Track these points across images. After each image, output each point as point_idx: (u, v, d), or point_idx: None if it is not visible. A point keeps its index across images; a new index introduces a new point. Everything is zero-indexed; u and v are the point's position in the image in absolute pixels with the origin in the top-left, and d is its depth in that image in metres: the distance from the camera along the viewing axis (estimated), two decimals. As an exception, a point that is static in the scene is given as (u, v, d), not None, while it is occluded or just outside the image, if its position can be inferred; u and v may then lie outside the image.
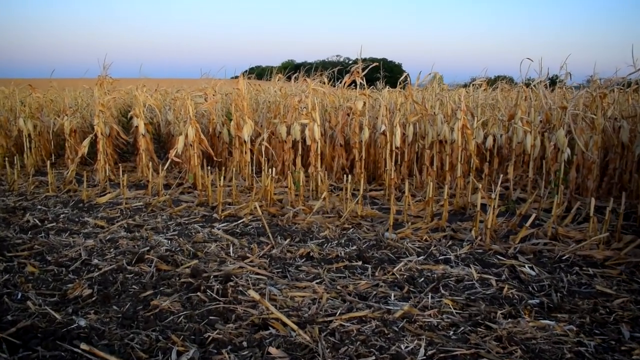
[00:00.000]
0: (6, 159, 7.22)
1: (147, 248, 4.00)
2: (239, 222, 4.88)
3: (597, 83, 8.68)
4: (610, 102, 6.56)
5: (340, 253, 3.99)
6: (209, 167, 6.04)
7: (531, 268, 3.78)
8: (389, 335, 2.66)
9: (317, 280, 3.41)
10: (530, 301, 3.18)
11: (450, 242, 4.34)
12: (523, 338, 2.67)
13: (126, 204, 5.57)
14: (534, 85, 5.93)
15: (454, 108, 5.96)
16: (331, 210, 5.28)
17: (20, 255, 3.92)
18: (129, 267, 3.61)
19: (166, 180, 6.87)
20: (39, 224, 4.83)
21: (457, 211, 5.49)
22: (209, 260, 3.77)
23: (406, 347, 2.55)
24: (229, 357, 2.42)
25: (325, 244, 4.23)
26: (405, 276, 3.53)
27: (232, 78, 9.19)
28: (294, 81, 7.73)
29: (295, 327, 2.64)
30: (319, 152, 6.06)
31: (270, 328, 2.68)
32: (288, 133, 6.39)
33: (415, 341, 2.60)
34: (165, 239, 4.32)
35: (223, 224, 4.82)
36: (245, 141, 6.53)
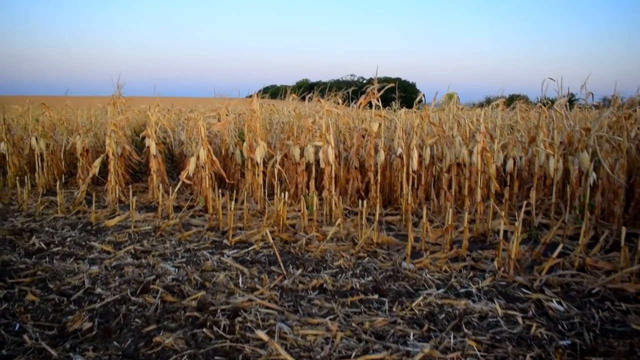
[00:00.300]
0: (17, 177, 7.14)
1: (153, 277, 3.83)
2: (250, 249, 4.69)
3: (619, 102, 8.44)
4: (632, 122, 6.32)
5: (355, 285, 3.78)
6: (220, 190, 5.89)
7: (559, 303, 3.54)
8: (408, 382, 2.45)
9: (331, 316, 3.21)
10: (561, 342, 2.95)
11: (471, 273, 4.11)
12: (556, 387, 2.44)
13: (135, 227, 5.43)
14: (555, 106, 5.71)
15: (473, 130, 5.76)
16: (345, 236, 5.08)
17: (22, 282, 3.78)
18: (133, 298, 3.44)
19: (177, 202, 6.73)
20: (45, 247, 4.69)
21: (477, 238, 5.26)
22: (217, 292, 3.59)
23: (427, 396, 2.33)
24: (234, 406, 2.23)
25: (340, 275, 4.03)
26: (424, 312, 3.32)
27: (246, 97, 9.08)
28: (308, 101, 7.59)
29: (306, 371, 2.44)
30: (333, 175, 5.88)
31: (279, 372, 2.49)
32: (301, 155, 6.22)
33: (438, 389, 2.38)
34: (173, 266, 4.15)
35: (233, 251, 4.64)
36: (257, 163, 6.37)
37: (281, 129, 7.56)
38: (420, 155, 6.04)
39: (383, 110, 6.24)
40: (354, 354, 2.70)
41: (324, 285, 3.74)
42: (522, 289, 3.81)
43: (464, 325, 3.14)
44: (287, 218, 5.55)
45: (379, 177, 6.10)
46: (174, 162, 10.91)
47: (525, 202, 6.35)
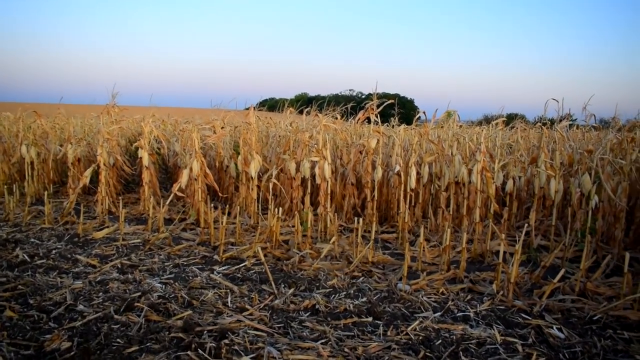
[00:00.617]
0: (6, 186, 6.99)
1: (139, 294, 3.67)
2: (241, 265, 4.55)
3: (619, 124, 8.36)
4: (633, 145, 6.23)
5: (349, 306, 3.63)
6: (213, 203, 5.75)
7: (560, 330, 3.41)
8: (403, 415, 2.31)
9: (322, 340, 3.06)
10: (562, 373, 2.81)
11: (469, 296, 3.97)
12: None
13: (123, 240, 5.27)
14: (557, 127, 5.61)
15: (473, 149, 5.65)
16: (340, 254, 4.94)
17: (1, 297, 3.62)
18: (116, 316, 3.28)
19: (169, 215, 6.59)
20: (28, 260, 4.53)
21: (474, 259, 5.13)
22: (204, 311, 3.43)
23: None
24: None
25: (333, 295, 3.88)
26: (420, 337, 3.17)
27: (244, 109, 8.97)
28: (306, 115, 7.48)
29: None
30: (329, 191, 5.75)
31: (266, 401, 2.34)
32: (297, 170, 6.10)
33: None
34: (160, 282, 4.00)
35: (223, 267, 4.49)
36: (252, 177, 6.24)
37: (277, 142, 7.45)
38: (418, 173, 5.92)
39: (381, 127, 6.13)
40: (345, 382, 2.56)
41: (317, 306, 3.60)
42: (521, 314, 3.67)
43: (461, 353, 2.99)
44: (281, 234, 5.41)
45: (375, 193, 5.97)
46: (168, 173, 10.76)
47: (525, 224, 6.24)
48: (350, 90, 61.46)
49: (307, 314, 3.50)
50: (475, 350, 3.04)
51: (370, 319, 3.43)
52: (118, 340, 2.95)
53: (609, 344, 3.24)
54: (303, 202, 6.16)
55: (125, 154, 9.94)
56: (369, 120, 6.26)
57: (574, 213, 5.24)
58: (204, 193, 6.16)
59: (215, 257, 4.81)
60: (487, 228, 5.53)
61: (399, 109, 8.45)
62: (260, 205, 6.36)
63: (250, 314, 3.40)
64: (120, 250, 4.99)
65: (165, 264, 4.57)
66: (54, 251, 4.86)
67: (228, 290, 3.86)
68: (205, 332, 3.05)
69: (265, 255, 4.74)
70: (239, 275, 4.32)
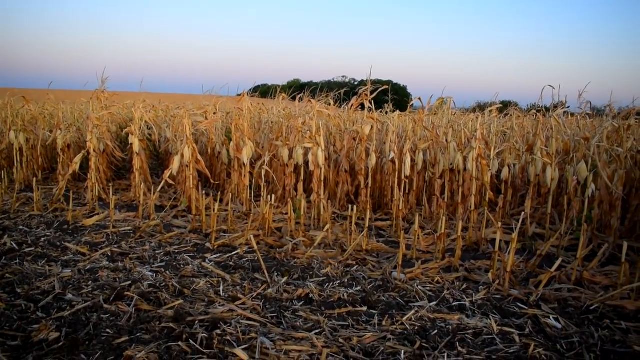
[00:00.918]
0: (-6, 173, 6.85)
1: (129, 282, 3.60)
2: (233, 253, 4.48)
3: (614, 112, 8.30)
4: (629, 133, 6.19)
5: (343, 295, 3.57)
6: (204, 191, 5.67)
7: (556, 319, 3.37)
8: (399, 408, 2.25)
9: (317, 330, 3.00)
10: (560, 364, 2.77)
11: (464, 285, 3.92)
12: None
13: (114, 227, 5.18)
14: (553, 114, 5.54)
15: (469, 136, 5.58)
16: (334, 242, 4.88)
17: (-13, 286, 3.53)
18: (105, 306, 3.21)
19: (160, 202, 6.50)
20: (16, 248, 4.44)
21: (469, 247, 5.09)
22: (196, 300, 3.37)
23: None
24: None
25: (327, 284, 3.82)
26: (416, 327, 3.12)
27: (236, 95, 8.85)
28: (299, 101, 7.38)
29: (289, 394, 2.24)
30: (322, 178, 5.67)
31: (259, 394, 2.28)
32: (290, 156, 6.02)
33: (431, 417, 2.19)
34: (150, 271, 3.92)
35: (215, 255, 4.42)
36: (244, 164, 6.15)
37: (270, 128, 7.35)
38: (412, 160, 5.85)
39: (375, 113, 6.05)
40: (340, 374, 2.50)
41: (310, 295, 3.54)
42: (517, 303, 3.63)
43: (457, 343, 2.95)
44: (274, 221, 5.34)
45: (369, 181, 5.91)
46: (160, 159, 10.63)
47: (517, 210, 6.19)
48: (343, 76, 61.19)
49: (301, 303, 3.44)
50: (471, 341, 2.99)
51: (365, 308, 3.38)
52: (107, 330, 2.88)
53: (607, 334, 3.20)
54: (296, 189, 6.09)
55: (116, 140, 9.81)
56: (362, 106, 6.18)
57: (570, 201, 5.19)
58: (195, 180, 6.07)
59: (207, 244, 4.74)
60: (481, 216, 5.49)
61: (394, 96, 8.36)
62: (252, 192, 6.29)
63: (243, 304, 3.33)
64: (111, 237, 4.90)
65: (156, 251, 4.49)
66: (42, 239, 4.77)
67: (220, 279, 3.80)
68: (196, 322, 2.98)
69: (257, 243, 4.67)
70: (231, 263, 4.25)
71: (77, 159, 6.62)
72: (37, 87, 10.68)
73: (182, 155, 5.92)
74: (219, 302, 3.34)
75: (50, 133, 8.01)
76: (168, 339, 2.79)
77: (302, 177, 5.97)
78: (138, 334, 2.84)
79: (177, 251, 4.53)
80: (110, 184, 6.78)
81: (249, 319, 3.11)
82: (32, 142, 8.14)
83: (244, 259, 4.36)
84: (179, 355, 2.63)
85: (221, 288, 3.60)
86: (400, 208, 5.46)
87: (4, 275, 3.72)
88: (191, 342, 2.74)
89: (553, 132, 5.19)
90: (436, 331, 3.08)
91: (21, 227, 5.16)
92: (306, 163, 5.92)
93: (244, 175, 6.25)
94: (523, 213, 4.57)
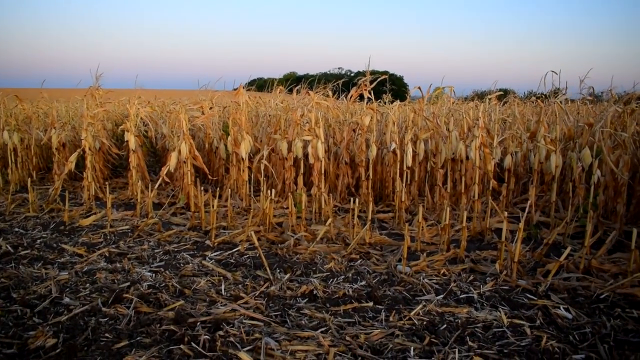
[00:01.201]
0: (-12, 174, 6.76)
1: (128, 284, 3.51)
2: (234, 250, 4.38)
3: (615, 97, 8.18)
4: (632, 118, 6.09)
5: (348, 291, 3.49)
6: (202, 186, 5.57)
7: (567, 310, 3.29)
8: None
9: (322, 329, 2.91)
10: (574, 356, 2.69)
11: (471, 277, 3.84)
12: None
13: (111, 227, 5.09)
14: (556, 100, 5.44)
15: (470, 124, 5.48)
16: (336, 236, 4.78)
17: (-18, 291, 3.44)
18: (104, 309, 3.11)
19: (158, 199, 6.40)
20: (12, 250, 4.34)
21: (473, 237, 5.00)
22: (197, 300, 3.28)
23: None
24: None
25: (331, 279, 3.73)
26: (424, 322, 3.03)
27: (232, 90, 8.73)
28: (296, 94, 7.27)
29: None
30: (322, 171, 5.57)
31: (265, 398, 2.19)
32: (289, 150, 5.91)
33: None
34: (150, 271, 3.83)
35: (216, 253, 4.32)
36: (242, 158, 6.04)
37: (268, 122, 7.24)
38: (413, 151, 5.75)
39: (375, 104, 5.95)
40: (349, 374, 2.42)
41: (314, 292, 3.45)
42: (526, 294, 3.54)
43: (467, 337, 2.86)
44: (274, 216, 5.24)
45: (370, 172, 5.81)
46: (157, 156, 10.52)
47: (525, 200, 6.11)
48: (339, 68, 61.03)
49: (305, 300, 3.35)
50: (482, 335, 2.91)
51: (370, 304, 3.29)
52: (106, 335, 2.79)
53: (619, 323, 3.12)
54: (296, 183, 5.99)
55: (112, 138, 9.68)
56: (361, 97, 6.07)
57: (575, 188, 5.10)
58: (193, 176, 5.97)
59: (207, 242, 4.64)
60: (485, 205, 5.40)
61: (392, 86, 8.25)
62: (252, 187, 6.19)
63: (246, 303, 3.24)
64: (108, 237, 4.80)
65: (155, 251, 4.39)
66: (38, 241, 4.67)
67: (221, 278, 3.70)
68: (198, 323, 2.90)
69: (258, 239, 4.58)
70: (232, 260, 4.15)
71: (73, 157, 6.52)
72: (30, 86, 10.56)
73: (179, 152, 5.82)
74: (221, 302, 3.24)
75: (45, 132, 7.89)
76: (169, 342, 2.70)
77: (301, 171, 5.87)
78: (138, 338, 2.75)
79: (176, 250, 4.44)
80: (107, 183, 6.67)
81: (252, 318, 3.02)
82: (26, 141, 8.03)
83: (245, 256, 4.27)
84: (180, 359, 2.54)
85: (222, 287, 3.51)
86: (403, 200, 5.36)
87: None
88: (193, 345, 2.65)
89: (557, 118, 5.08)
90: (445, 325, 3.00)
91: (16, 229, 5.06)
92: (305, 156, 5.82)
93: (243, 170, 6.15)
94: (533, 203, 4.47)
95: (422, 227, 4.59)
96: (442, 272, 3.92)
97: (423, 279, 3.74)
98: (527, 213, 5.55)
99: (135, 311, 3.07)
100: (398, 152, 5.57)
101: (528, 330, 2.98)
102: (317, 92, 6.44)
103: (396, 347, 2.73)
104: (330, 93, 6.88)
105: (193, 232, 5.02)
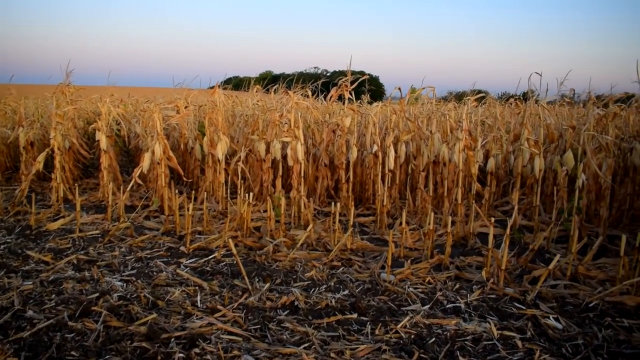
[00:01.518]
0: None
1: (97, 295, 3.29)
2: (210, 257, 4.19)
3: (593, 99, 8.16)
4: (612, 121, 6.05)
5: (331, 301, 3.33)
6: (177, 189, 5.35)
7: (556, 319, 3.19)
8: None
9: (305, 344, 2.75)
10: (569, 372, 2.58)
11: (457, 285, 3.71)
12: None
13: (80, 231, 4.84)
14: (541, 102, 5.36)
15: (453, 126, 5.37)
16: (316, 242, 4.62)
17: (-62, 304, 3.19)
18: (70, 323, 2.90)
19: (130, 201, 6.16)
20: (-27, 258, 4.08)
21: (456, 242, 4.88)
22: (171, 313, 3.08)
23: None
24: None
25: (312, 289, 3.57)
26: (412, 335, 2.89)
27: (208, 88, 8.51)
28: (274, 93, 7.08)
29: None
30: (302, 173, 5.40)
31: None
32: (267, 151, 5.73)
33: None
34: (120, 280, 3.61)
35: (191, 260, 4.12)
36: (219, 159, 5.84)
37: (245, 122, 7.04)
38: (395, 153, 5.62)
39: (355, 104, 5.80)
40: (335, 396, 2.26)
41: (296, 303, 3.28)
42: (514, 303, 3.44)
43: (457, 352, 2.74)
44: (252, 220, 5.06)
45: (350, 175, 5.66)
46: (130, 156, 10.23)
47: (506, 203, 6.02)
48: (315, 67, 60.92)
49: (286, 312, 3.18)
50: (472, 348, 2.78)
51: (355, 315, 3.14)
52: (72, 352, 2.58)
53: (610, 333, 3.03)
54: (274, 186, 5.81)
55: (84, 136, 9.37)
56: (339, 98, 5.92)
57: (558, 191, 5.03)
58: (167, 177, 5.75)
59: (182, 248, 4.44)
60: (468, 210, 5.30)
61: (371, 87, 8.13)
62: (228, 190, 5.99)
63: (223, 316, 3.06)
64: (77, 243, 4.56)
65: (127, 257, 4.17)
66: (2, 246, 4.40)
67: (197, 287, 3.51)
68: (172, 339, 2.71)
69: (236, 245, 4.39)
70: (208, 268, 3.96)
71: (41, 157, 6.23)
72: (-4, 82, 10.17)
73: (153, 152, 5.59)
74: (197, 315, 3.05)
75: (12, 130, 7.57)
76: (141, 361, 2.51)
77: (280, 173, 5.70)
78: (107, 356, 2.55)
79: (149, 256, 4.22)
80: (77, 184, 6.39)
81: (231, 333, 2.84)
82: (-8, 140, 7.69)
83: (222, 263, 4.08)
84: (153, 380, 2.35)
85: (198, 298, 3.32)
86: (385, 204, 5.22)
87: (-42, 290, 3.38)
88: (167, 363, 2.46)
89: (540, 121, 5.00)
90: (433, 339, 2.86)
91: (-21, 234, 4.78)
92: (284, 157, 5.65)
93: (219, 172, 5.94)
94: (516, 207, 4.37)
95: (406, 233, 4.46)
96: (427, 280, 3.79)
97: (408, 287, 3.60)
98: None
99: (105, 326, 2.87)
100: (380, 154, 5.42)
101: (519, 343, 2.86)
102: (295, 92, 6.27)
103: (384, 363, 2.58)
104: (309, 93, 6.70)
105: (167, 237, 4.80)
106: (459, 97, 10.80)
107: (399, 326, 2.98)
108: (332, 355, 2.63)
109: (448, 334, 2.93)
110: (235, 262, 4.00)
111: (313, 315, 3.13)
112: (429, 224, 4.25)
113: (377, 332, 2.93)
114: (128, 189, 5.52)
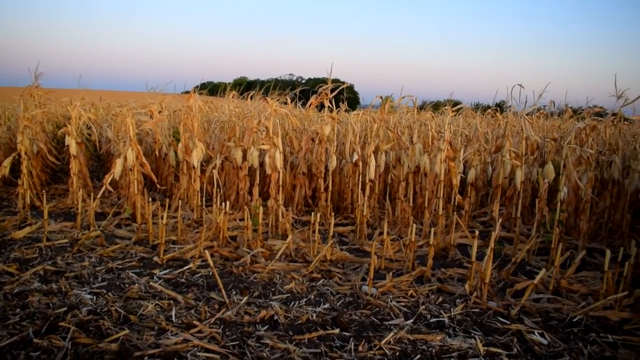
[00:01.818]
0: None
1: (65, 309, 3.10)
2: (185, 268, 4.03)
3: (570, 112, 8.19)
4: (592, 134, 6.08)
5: (312, 315, 3.21)
6: (150, 197, 5.17)
7: (541, 335, 3.13)
8: None
9: (287, 363, 2.62)
10: (559, 391, 2.50)
11: (440, 298, 3.63)
12: None
13: (48, 240, 4.62)
14: (523, 114, 5.34)
15: (435, 137, 5.32)
16: (295, 252, 4.50)
17: None
18: (35, 340, 2.71)
19: (101, 209, 5.95)
20: None
21: (437, 253, 4.81)
22: (144, 329, 2.92)
23: None
24: None
25: (292, 302, 3.44)
26: (396, 352, 2.79)
27: (182, 93, 8.33)
28: (250, 99, 6.95)
29: None
30: (280, 182, 5.28)
31: None
32: (244, 158, 5.59)
33: None
34: (90, 293, 3.43)
35: (164, 272, 3.95)
36: (194, 167, 5.68)
37: (221, 128, 6.89)
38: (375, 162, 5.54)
39: (335, 112, 5.70)
40: (320, 420, 2.14)
41: (275, 317, 3.15)
42: (498, 317, 3.37)
43: (444, 370, 2.64)
44: (228, 229, 4.91)
45: (330, 184, 5.56)
46: (101, 161, 9.97)
47: (486, 214, 5.99)
48: (290, 74, 60.96)
49: (265, 327, 3.04)
50: (458, 366, 2.69)
51: (337, 330, 3.02)
52: (37, 372, 2.41)
53: (596, 350, 2.98)
54: (251, 194, 5.67)
55: (53, 141, 9.11)
56: (321, 106, 5.83)
57: (538, 203, 5.00)
58: (140, 185, 5.56)
59: (155, 258, 4.26)
60: (448, 220, 5.24)
61: (349, 95, 8.06)
62: (204, 198, 5.82)
63: (199, 331, 2.91)
64: (44, 252, 4.35)
65: (97, 268, 3.98)
66: (-37, 256, 4.18)
67: (171, 301, 3.35)
68: (145, 357, 2.55)
69: (211, 255, 4.25)
70: (182, 280, 3.80)
71: (7, 162, 5.99)
72: (-37, 84, 9.83)
73: (126, 158, 5.40)
74: (171, 331, 2.90)
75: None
76: (111, 382, 2.35)
77: (257, 181, 5.56)
78: (75, 376, 2.39)
79: (120, 267, 4.04)
80: (44, 190, 6.15)
81: (208, 350, 2.69)
82: (-44, 144, 7.39)
83: (197, 274, 3.92)
84: (125, 403, 2.20)
85: (173, 312, 3.16)
86: (365, 213, 5.13)
87: None
88: (140, 384, 2.31)
89: (522, 133, 4.97)
90: (419, 355, 2.77)
91: (-61, 242, 4.53)
92: (261, 165, 5.52)
93: (194, 179, 5.77)
94: (497, 220, 4.31)
95: (387, 244, 4.37)
96: (409, 293, 3.69)
97: (390, 301, 3.51)
98: (492, 229, 5.43)
99: (73, 343, 2.69)
100: (360, 164, 5.33)
101: (506, 360, 2.78)
102: (273, 99, 6.15)
103: (369, 383, 2.47)
104: (288, 100, 6.59)
105: (139, 246, 4.62)
106: (435, 106, 10.81)
107: (382, 342, 2.87)
108: (315, 374, 2.51)
109: (433, 350, 2.84)
110: (211, 273, 3.86)
111: (293, 331, 3.00)
112: (411, 233, 4.16)
113: (360, 348, 2.82)
114: (99, 195, 5.32)
